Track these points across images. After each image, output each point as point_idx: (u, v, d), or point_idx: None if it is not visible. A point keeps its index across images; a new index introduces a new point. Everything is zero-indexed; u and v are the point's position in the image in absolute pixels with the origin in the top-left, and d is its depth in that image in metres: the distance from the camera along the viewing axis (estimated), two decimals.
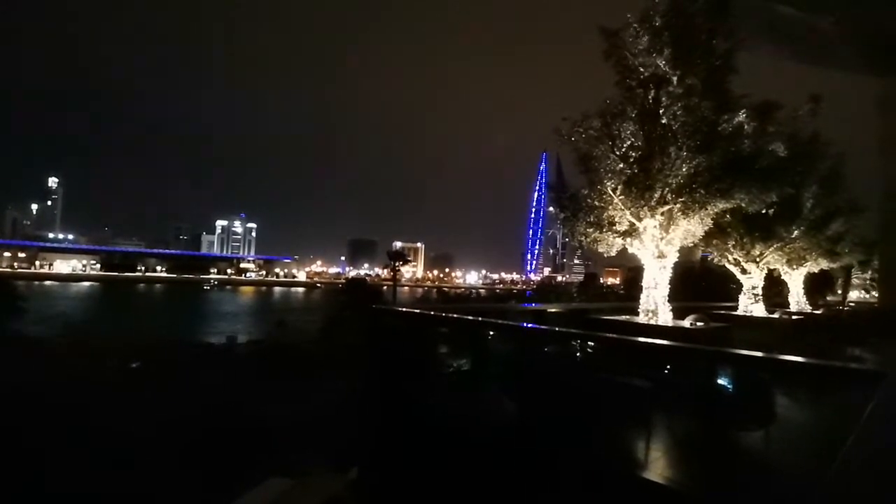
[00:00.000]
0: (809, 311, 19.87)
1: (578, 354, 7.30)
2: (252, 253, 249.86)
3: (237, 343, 24.40)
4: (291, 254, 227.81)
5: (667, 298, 11.26)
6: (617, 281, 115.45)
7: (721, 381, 5.17)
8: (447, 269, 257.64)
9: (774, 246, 16.67)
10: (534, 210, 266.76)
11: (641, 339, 7.23)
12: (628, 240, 11.31)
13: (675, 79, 10.46)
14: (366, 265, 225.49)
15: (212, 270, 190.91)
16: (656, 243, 11.08)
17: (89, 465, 7.65)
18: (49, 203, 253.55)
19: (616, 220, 11.18)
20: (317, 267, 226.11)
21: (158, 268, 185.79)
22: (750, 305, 17.07)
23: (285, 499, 5.55)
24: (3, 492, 6.85)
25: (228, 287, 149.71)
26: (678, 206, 10.61)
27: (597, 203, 11.20)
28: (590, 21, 11.65)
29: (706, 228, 11.23)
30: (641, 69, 10.75)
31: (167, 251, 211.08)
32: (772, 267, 17.96)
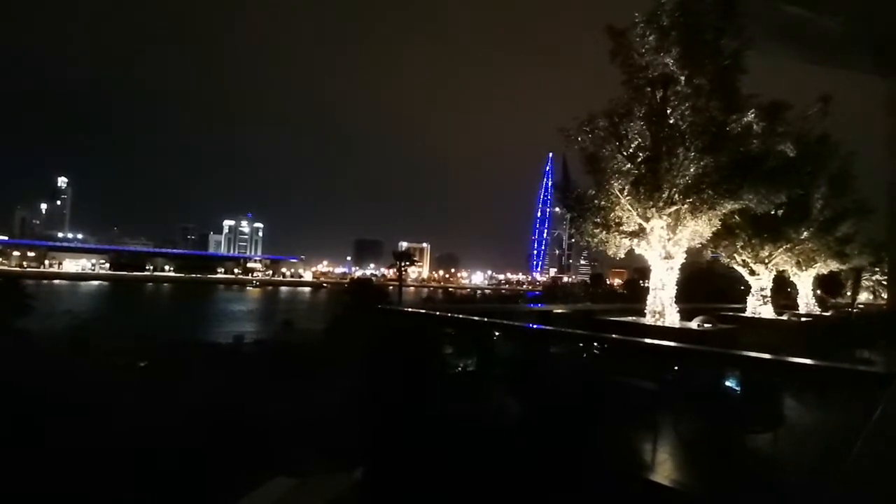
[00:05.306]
0: (818, 313, 19.65)
1: (584, 355, 7.27)
2: (259, 253, 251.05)
3: (244, 342, 24.59)
4: (298, 254, 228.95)
5: (674, 299, 11.19)
6: (623, 281, 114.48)
7: (728, 383, 5.13)
8: (453, 270, 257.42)
9: (783, 247, 16.50)
10: (540, 210, 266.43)
11: (648, 341, 7.19)
12: (635, 240, 11.24)
13: (682, 79, 10.39)
14: (371, 265, 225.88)
15: (219, 270, 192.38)
16: (664, 244, 11.01)
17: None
18: (58, 203, 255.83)
19: (623, 220, 11.11)
20: (323, 267, 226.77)
21: (167, 267, 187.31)
22: (758, 307, 16.90)
23: (290, 498, 5.56)
24: None
25: (235, 286, 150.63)
26: (686, 206, 10.53)
27: (604, 203, 11.14)
28: (596, 21, 11.58)
29: (714, 229, 11.13)
30: (649, 69, 10.69)
31: (175, 251, 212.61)
32: (781, 268, 17.78)
